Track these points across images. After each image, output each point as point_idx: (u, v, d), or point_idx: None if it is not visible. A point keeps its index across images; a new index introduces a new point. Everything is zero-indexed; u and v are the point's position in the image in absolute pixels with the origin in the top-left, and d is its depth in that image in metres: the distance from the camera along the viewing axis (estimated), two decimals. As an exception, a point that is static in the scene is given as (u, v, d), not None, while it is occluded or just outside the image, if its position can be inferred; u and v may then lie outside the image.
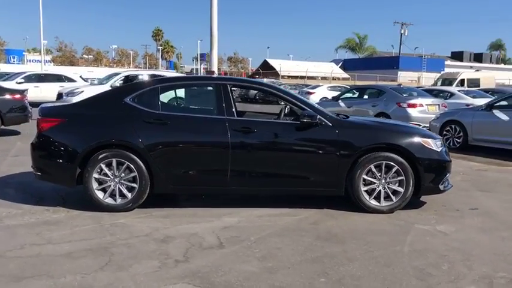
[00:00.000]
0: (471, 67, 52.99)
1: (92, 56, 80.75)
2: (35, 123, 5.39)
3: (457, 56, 78.40)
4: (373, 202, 5.21)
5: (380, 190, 5.20)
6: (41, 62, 42.86)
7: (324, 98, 21.88)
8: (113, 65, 76.48)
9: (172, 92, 6.07)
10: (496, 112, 9.75)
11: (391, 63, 61.77)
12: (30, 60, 60.17)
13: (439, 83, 31.63)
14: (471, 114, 10.32)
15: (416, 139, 5.30)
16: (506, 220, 5.18)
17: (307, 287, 3.38)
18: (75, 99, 13.20)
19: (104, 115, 5.19)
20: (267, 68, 59.63)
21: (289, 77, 53.65)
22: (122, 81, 17.00)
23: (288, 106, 5.81)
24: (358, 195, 5.17)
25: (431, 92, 15.76)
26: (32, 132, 9.79)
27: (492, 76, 33.24)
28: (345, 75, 61.19)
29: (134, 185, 5.03)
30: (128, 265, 3.67)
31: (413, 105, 12.62)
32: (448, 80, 31.17)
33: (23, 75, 20.29)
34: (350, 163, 5.14)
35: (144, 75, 17.89)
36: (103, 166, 4.99)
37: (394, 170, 5.17)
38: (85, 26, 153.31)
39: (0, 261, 3.69)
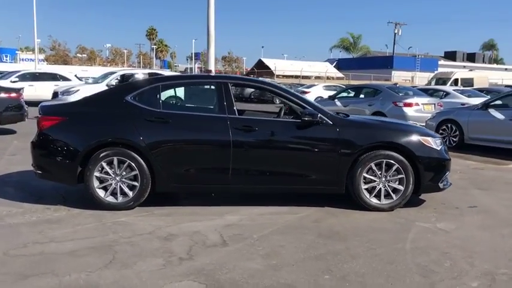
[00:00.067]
0: (464, 67, 53.40)
1: (85, 55, 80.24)
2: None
3: (450, 55, 78.90)
4: (374, 200, 5.25)
5: (380, 188, 5.23)
6: (34, 60, 42.57)
7: (319, 97, 21.92)
8: (106, 64, 76.03)
9: (174, 90, 6.07)
10: (492, 111, 9.82)
11: (385, 63, 62.03)
12: (23, 59, 59.66)
13: (433, 82, 31.83)
14: (467, 114, 10.40)
15: (416, 137, 5.34)
16: (505, 217, 5.23)
17: (312, 284, 3.40)
18: (71, 98, 13.17)
19: (105, 113, 5.18)
20: (261, 68, 59.68)
21: (283, 76, 53.71)
22: (117, 80, 16.97)
23: (287, 105, 5.83)
24: (358, 193, 5.20)
25: (426, 92, 15.85)
26: (28, 131, 9.77)
27: (485, 76, 33.52)
28: (340, 74, 61.36)
29: (135, 183, 5.02)
30: (133, 263, 3.67)
31: (409, 105, 12.70)
32: (442, 80, 31.38)
33: (17, 74, 20.19)
34: (351, 161, 5.17)
35: (139, 74, 17.87)
36: (104, 164, 4.98)
37: (394, 168, 5.20)
38: (79, 25, 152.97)
39: (5, 259, 3.68)
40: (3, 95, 10.86)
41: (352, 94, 15.32)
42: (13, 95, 11.03)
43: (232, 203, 5.43)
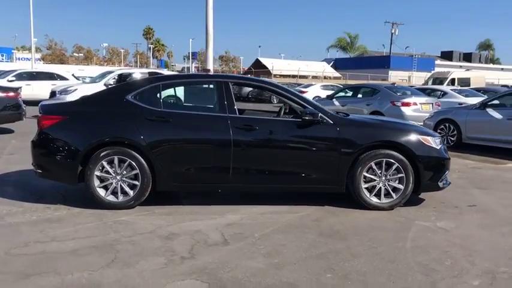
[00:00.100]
0: (461, 67, 53.60)
1: (82, 54, 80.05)
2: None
3: (447, 55, 79.09)
4: (374, 199, 5.26)
5: (380, 187, 5.25)
6: (30, 60, 42.38)
7: (316, 97, 21.96)
8: (103, 63, 75.90)
9: (174, 89, 6.07)
10: (490, 111, 9.87)
11: (382, 62, 62.09)
12: (19, 58, 59.43)
13: (430, 82, 31.95)
14: (465, 113, 10.43)
15: (416, 137, 5.36)
16: (504, 216, 5.26)
17: (315, 282, 3.41)
18: (69, 98, 13.16)
19: (105, 112, 5.17)
20: (259, 67, 59.61)
21: (281, 76, 53.70)
22: (115, 80, 16.93)
23: (287, 104, 5.83)
24: (359, 192, 5.22)
25: (424, 91, 15.90)
26: (26, 130, 9.75)
27: (482, 76, 33.70)
28: (337, 74, 61.39)
29: (136, 182, 5.02)
30: (134, 262, 3.67)
31: (407, 104, 12.73)
32: (438, 80, 31.52)
33: (14, 73, 20.11)
34: (351, 160, 5.18)
35: (137, 73, 17.83)
36: (105, 164, 4.98)
37: (394, 167, 5.22)
38: (75, 24, 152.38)
39: (6, 258, 3.68)
40: (1, 94, 10.80)
41: (350, 94, 15.34)
42: (11, 94, 10.98)
43: (233, 202, 5.44)
